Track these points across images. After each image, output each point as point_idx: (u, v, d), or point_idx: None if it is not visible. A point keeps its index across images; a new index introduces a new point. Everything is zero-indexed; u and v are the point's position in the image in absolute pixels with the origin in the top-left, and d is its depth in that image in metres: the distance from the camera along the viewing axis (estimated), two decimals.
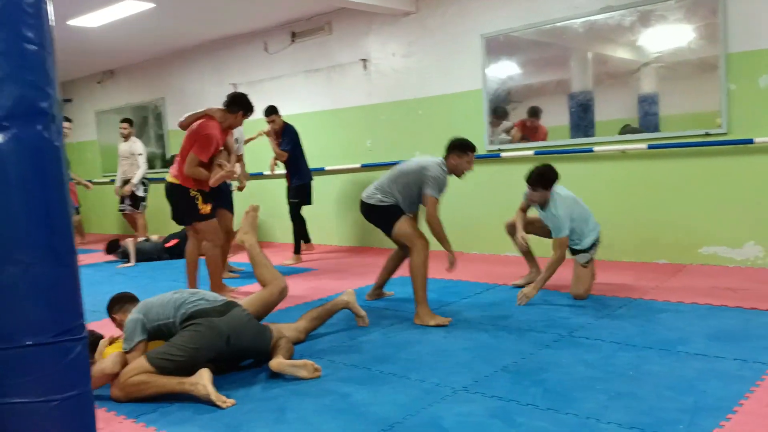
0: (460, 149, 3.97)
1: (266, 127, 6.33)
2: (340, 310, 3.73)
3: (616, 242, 5.29)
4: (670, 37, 4.91)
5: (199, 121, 4.55)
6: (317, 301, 4.44)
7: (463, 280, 4.92)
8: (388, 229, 4.04)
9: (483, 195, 6.01)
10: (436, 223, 3.88)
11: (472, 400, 2.58)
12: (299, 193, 6.39)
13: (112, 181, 8.33)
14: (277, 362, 2.91)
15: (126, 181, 7.91)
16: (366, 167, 6.85)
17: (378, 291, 4.49)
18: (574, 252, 4.28)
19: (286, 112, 6.60)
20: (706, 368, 2.76)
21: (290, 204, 6.41)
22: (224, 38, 7.99)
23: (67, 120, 7.71)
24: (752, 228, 4.73)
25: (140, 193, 7.90)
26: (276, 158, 6.49)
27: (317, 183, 6.60)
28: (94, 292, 5.34)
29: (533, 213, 4.49)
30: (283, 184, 6.68)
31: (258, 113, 5.42)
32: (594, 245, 4.23)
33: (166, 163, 6.46)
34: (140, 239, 7.31)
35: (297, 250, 6.40)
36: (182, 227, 7.07)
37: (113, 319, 3.20)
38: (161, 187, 7.41)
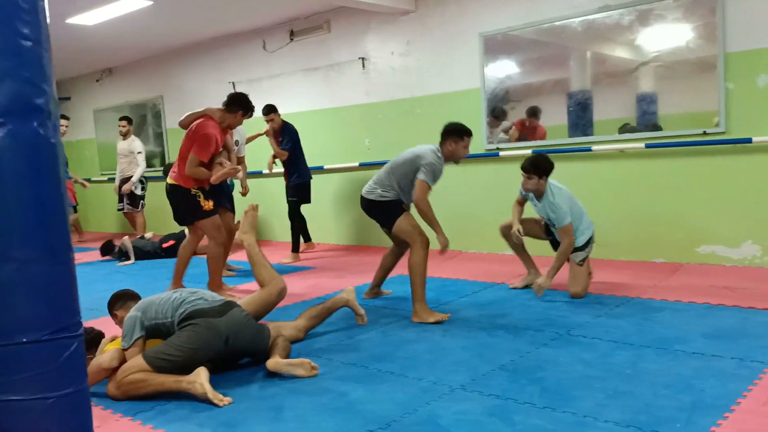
0: (455, 135, 3.95)
1: (266, 126, 6.33)
2: (340, 308, 3.72)
3: (614, 241, 5.29)
4: (668, 36, 4.91)
5: (197, 122, 4.55)
6: (316, 299, 4.44)
7: (461, 279, 4.92)
8: (388, 225, 4.04)
9: (481, 194, 6.01)
10: (425, 205, 3.84)
11: (469, 398, 2.58)
12: (298, 191, 6.38)
13: (110, 180, 8.34)
14: (274, 361, 2.91)
15: (124, 180, 7.91)
16: (364, 166, 6.85)
17: (376, 290, 4.49)
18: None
19: (284, 111, 6.59)
20: (704, 367, 2.77)
21: (289, 203, 6.41)
22: (223, 36, 7.98)
23: (64, 117, 7.70)
24: (750, 227, 4.73)
25: (138, 191, 7.90)
26: (275, 157, 6.48)
27: (315, 181, 6.59)
28: (92, 290, 5.34)
29: (528, 213, 4.49)
30: (281, 182, 6.67)
31: (257, 112, 5.43)
32: (589, 243, 4.23)
33: (165, 169, 6.48)
34: (136, 237, 7.30)
35: (295, 249, 6.40)
36: (180, 229, 7.14)
37: (114, 316, 3.21)
38: (159, 185, 7.46)
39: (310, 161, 6.57)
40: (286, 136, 6.29)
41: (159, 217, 8.96)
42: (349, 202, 7.12)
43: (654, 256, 5.16)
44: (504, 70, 5.82)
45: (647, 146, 5.05)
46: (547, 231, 4.42)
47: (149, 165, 8.54)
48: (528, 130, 5.78)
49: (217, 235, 4.64)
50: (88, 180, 10.40)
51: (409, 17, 6.36)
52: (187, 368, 2.74)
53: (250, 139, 6.46)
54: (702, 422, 2.24)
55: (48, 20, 1.69)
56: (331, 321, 3.74)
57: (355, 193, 7.02)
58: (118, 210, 8.24)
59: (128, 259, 6.84)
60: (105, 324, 3.50)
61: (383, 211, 4.05)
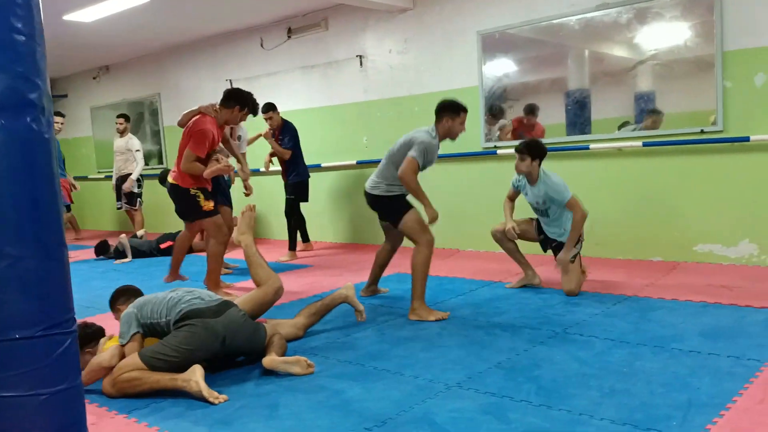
0: (451, 111, 3.90)
1: (266, 128, 6.31)
2: (338, 305, 3.71)
3: (611, 239, 5.29)
4: (666, 34, 4.91)
5: (194, 118, 4.55)
6: (313, 297, 4.43)
7: (458, 277, 4.91)
8: (395, 221, 3.98)
9: (479, 192, 6.00)
10: (410, 179, 3.79)
11: (465, 396, 2.57)
12: (296, 190, 6.38)
13: (107, 177, 8.31)
14: (270, 359, 2.90)
15: (121, 177, 7.90)
16: (362, 164, 6.84)
17: (373, 287, 4.48)
18: (559, 247, 4.29)
19: (282, 109, 6.58)
20: (700, 365, 2.76)
21: (286, 200, 6.40)
22: (220, 34, 7.96)
23: (60, 115, 7.68)
24: (747, 226, 4.73)
25: (135, 189, 7.89)
26: (271, 155, 6.47)
27: (313, 179, 6.59)
28: (89, 287, 5.34)
29: (520, 215, 4.49)
30: (279, 181, 6.66)
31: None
32: (579, 240, 4.23)
33: (162, 175, 6.54)
34: (131, 235, 7.29)
35: (292, 247, 6.39)
36: (178, 230, 7.13)
37: (117, 311, 3.21)
38: (156, 183, 7.45)
39: (308, 159, 6.56)
40: (286, 135, 6.28)
41: (156, 216, 8.95)
42: (346, 200, 7.12)
43: (651, 254, 5.16)
44: (502, 68, 5.82)
45: (645, 145, 5.05)
46: (539, 230, 4.42)
47: (146, 163, 8.52)
48: (526, 127, 5.78)
49: (219, 234, 4.63)
50: (85, 178, 10.42)
51: (407, 15, 6.35)
52: (183, 367, 2.74)
53: (249, 142, 6.45)
54: (698, 420, 2.24)
55: (42, 16, 1.68)
56: (327, 319, 3.73)
57: (352, 191, 7.02)
58: (117, 209, 8.22)
59: (125, 257, 6.82)
60: (101, 321, 3.48)
61: (390, 206, 3.99)
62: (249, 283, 4.92)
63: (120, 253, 6.87)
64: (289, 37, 7.31)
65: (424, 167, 3.93)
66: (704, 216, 4.90)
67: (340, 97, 7.02)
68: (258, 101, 5.61)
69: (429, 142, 3.84)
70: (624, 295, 4.07)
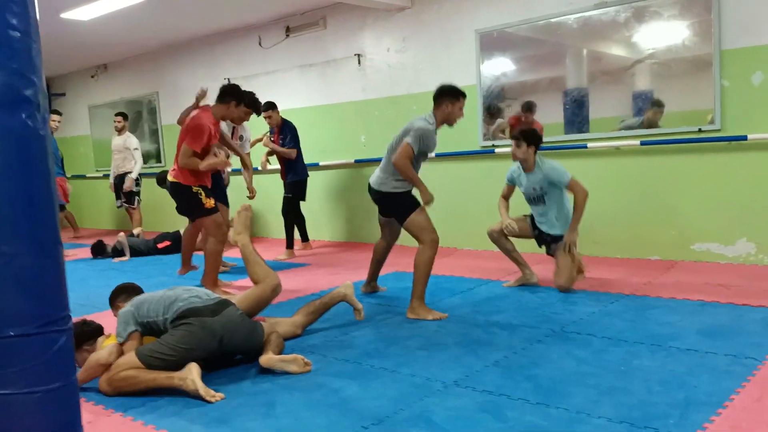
0: (452, 95, 3.86)
1: (264, 133, 6.31)
2: (337, 304, 3.70)
3: (609, 238, 5.29)
4: (664, 33, 4.90)
5: (191, 114, 4.56)
6: (310, 296, 4.42)
7: (455, 276, 4.91)
8: (401, 219, 3.93)
9: (477, 191, 6.00)
10: (404, 164, 3.76)
11: (462, 394, 2.57)
12: (294, 188, 6.38)
13: (105, 176, 8.30)
14: (267, 358, 2.89)
15: (119, 176, 7.89)
16: (360, 163, 6.84)
17: (373, 283, 4.47)
18: (553, 240, 4.30)
19: (280, 107, 6.56)
20: (697, 364, 2.76)
21: (284, 199, 6.39)
22: (218, 32, 7.95)
23: (57, 113, 7.66)
24: (745, 225, 4.73)
25: (134, 188, 7.88)
26: (269, 154, 6.46)
27: (311, 178, 6.58)
28: (86, 286, 5.33)
29: (514, 213, 4.50)
30: (277, 179, 6.65)
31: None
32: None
33: (160, 176, 6.58)
34: (129, 234, 7.28)
35: (290, 245, 6.38)
36: (175, 229, 7.15)
37: (117, 308, 3.20)
38: (154, 182, 7.44)
39: (306, 158, 6.55)
40: (287, 134, 6.28)
41: (155, 214, 8.94)
42: (344, 199, 7.11)
43: (648, 253, 5.16)
44: (500, 67, 5.82)
45: (642, 143, 5.05)
46: (533, 225, 4.43)
47: (144, 162, 8.50)
48: (523, 125, 5.77)
49: (217, 233, 4.63)
50: (83, 177, 10.41)
51: (405, 13, 6.34)
52: (180, 366, 2.73)
53: (254, 143, 6.44)
54: (695, 418, 2.23)
55: (40, 14, 1.67)
56: (325, 317, 3.72)
57: (350, 190, 7.02)
58: (117, 207, 8.20)
59: (123, 255, 6.81)
60: (99, 319, 3.46)
61: (398, 203, 3.94)
62: (247, 281, 4.90)
63: (118, 252, 6.86)
64: (287, 35, 7.31)
65: (421, 154, 3.87)
66: (702, 215, 4.90)
67: (338, 95, 7.02)
68: (253, 94, 5.62)
69: (425, 128, 3.80)
70: (622, 294, 4.07)
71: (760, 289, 4.00)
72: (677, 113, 4.96)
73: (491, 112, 5.91)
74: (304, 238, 6.71)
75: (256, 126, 6.71)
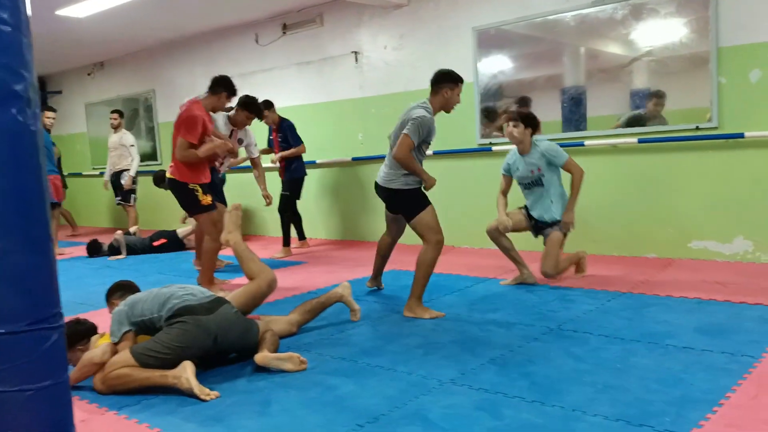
0: (451, 81, 3.78)
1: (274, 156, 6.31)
2: (334, 304, 3.69)
3: (606, 236, 5.28)
4: (661, 31, 4.90)
5: (183, 106, 4.58)
6: (307, 294, 4.41)
7: (452, 274, 4.90)
8: (410, 216, 3.86)
9: (474, 189, 5.99)
10: (405, 157, 3.70)
11: (458, 392, 2.56)
12: (291, 186, 6.36)
13: (102, 174, 8.27)
14: (263, 356, 2.88)
15: (115, 173, 7.85)
16: (357, 160, 6.82)
17: (378, 279, 4.45)
18: (545, 225, 4.33)
19: (277, 105, 6.54)
20: (694, 361, 2.76)
21: (281, 197, 6.38)
22: (215, 30, 7.93)
23: (51, 110, 7.62)
24: (742, 222, 4.73)
25: (131, 185, 7.84)
26: (286, 155, 6.31)
27: (308, 176, 6.56)
28: (82, 284, 5.32)
29: (514, 207, 4.49)
30: (275, 177, 6.63)
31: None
32: (568, 229, 4.34)
33: (156, 176, 6.60)
34: (125, 232, 7.26)
35: (286, 243, 6.37)
36: (173, 228, 7.13)
37: (112, 305, 3.19)
38: (150, 180, 7.41)
39: (303, 155, 6.53)
40: (287, 132, 6.27)
41: (152, 212, 8.91)
42: (341, 197, 7.10)
43: (646, 251, 5.16)
44: (497, 65, 5.80)
45: (640, 141, 5.04)
46: (529, 216, 4.44)
47: (141, 159, 8.47)
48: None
49: (212, 230, 4.61)
50: (80, 175, 10.38)
51: (402, 11, 6.33)
52: (174, 365, 2.71)
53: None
54: (691, 416, 2.23)
55: (35, 10, 1.65)
56: (321, 315, 3.71)
57: (347, 188, 7.00)
58: (117, 204, 8.17)
59: (119, 253, 6.79)
60: (94, 318, 3.45)
61: (408, 201, 3.86)
62: (243, 279, 4.90)
63: (115, 250, 6.84)
64: (284, 33, 7.29)
65: (422, 143, 3.81)
66: (699, 212, 4.90)
67: (335, 93, 7.00)
68: (249, 96, 5.61)
69: (424, 116, 3.71)
70: (619, 292, 4.06)
71: (757, 286, 3.99)
72: (674, 111, 4.95)
73: (487, 114, 5.90)
74: (301, 236, 6.70)
75: (257, 126, 6.67)
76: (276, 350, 3.03)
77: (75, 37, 7.78)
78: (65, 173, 9.33)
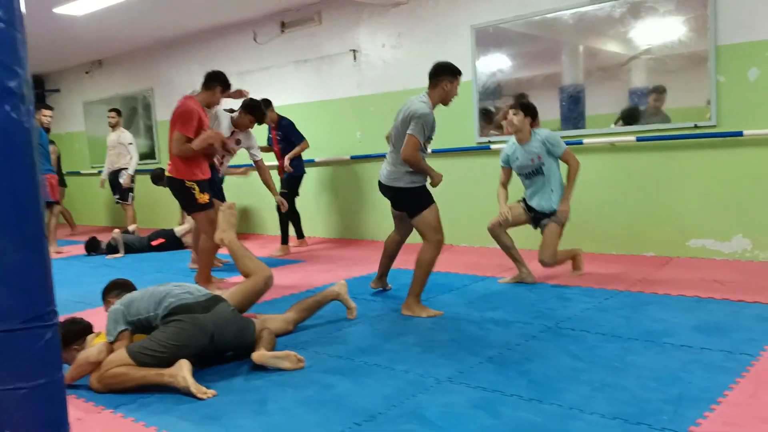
0: (450, 73, 3.75)
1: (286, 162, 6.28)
2: (330, 302, 3.69)
3: (604, 234, 5.28)
4: (660, 29, 4.89)
5: (178, 102, 4.58)
6: (305, 292, 4.41)
7: (451, 272, 4.90)
8: (413, 213, 3.84)
9: (473, 187, 5.98)
10: (414, 157, 3.68)
11: (456, 390, 2.56)
12: (290, 184, 6.36)
13: (100, 172, 8.25)
14: (259, 354, 2.87)
15: (113, 172, 7.84)
16: (355, 159, 6.81)
17: (383, 280, 4.40)
18: (543, 216, 4.33)
19: (275, 103, 6.53)
20: (692, 359, 2.75)
21: (279, 194, 6.36)
22: (213, 28, 7.91)
23: (48, 108, 7.60)
24: (740, 221, 4.72)
25: (130, 183, 7.83)
26: (292, 156, 6.30)
27: (306, 174, 6.55)
28: (80, 283, 5.31)
29: (514, 200, 4.48)
30: (274, 177, 6.62)
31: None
32: (564, 220, 4.34)
33: (155, 174, 6.60)
34: (123, 231, 7.25)
35: (284, 241, 6.36)
36: (171, 227, 7.11)
37: (107, 303, 3.18)
38: (148, 178, 7.40)
39: (302, 154, 6.52)
40: (288, 130, 6.26)
41: (150, 211, 8.90)
42: (339, 196, 7.09)
43: (644, 249, 5.15)
44: (496, 63, 5.80)
45: (638, 140, 5.04)
46: (528, 208, 4.44)
47: (139, 158, 8.45)
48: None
49: (209, 229, 4.60)
50: (78, 173, 10.36)
51: (401, 9, 6.32)
52: (170, 363, 2.71)
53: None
54: (689, 414, 2.22)
55: (32, 8, 1.64)
56: (318, 314, 3.70)
57: (345, 186, 6.99)
58: (116, 203, 8.16)
59: (117, 252, 6.78)
60: (91, 316, 3.45)
61: (413, 199, 3.83)
62: (240, 278, 4.89)
63: (113, 248, 6.83)
64: (282, 31, 7.27)
65: (426, 139, 3.77)
66: (697, 211, 4.89)
67: (333, 91, 6.99)
68: (252, 95, 5.60)
69: (427, 113, 3.68)
70: (617, 290, 4.06)
71: (755, 285, 3.99)
72: (673, 109, 4.95)
73: (484, 114, 5.89)
74: (300, 235, 6.69)
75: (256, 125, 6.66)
76: (273, 349, 3.02)
77: (73, 35, 7.76)
78: (64, 171, 9.33)
